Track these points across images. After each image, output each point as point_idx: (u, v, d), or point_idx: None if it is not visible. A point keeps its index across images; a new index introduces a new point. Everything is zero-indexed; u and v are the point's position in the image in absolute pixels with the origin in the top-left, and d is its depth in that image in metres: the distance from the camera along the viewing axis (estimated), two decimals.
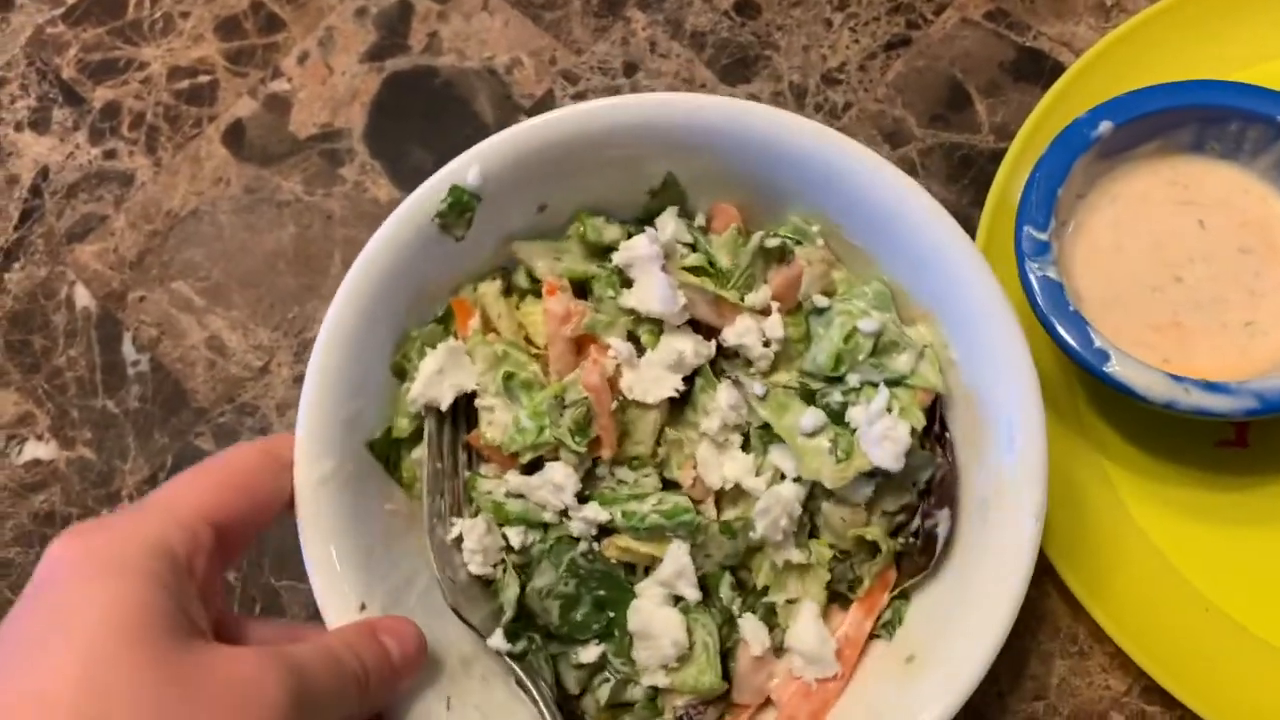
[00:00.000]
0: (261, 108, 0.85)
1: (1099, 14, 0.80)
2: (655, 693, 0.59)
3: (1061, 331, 0.62)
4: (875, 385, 0.58)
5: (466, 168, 0.59)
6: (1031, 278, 0.64)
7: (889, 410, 0.57)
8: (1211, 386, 0.60)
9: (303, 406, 0.57)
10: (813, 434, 0.57)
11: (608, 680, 0.59)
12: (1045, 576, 0.67)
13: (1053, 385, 0.69)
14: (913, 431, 0.57)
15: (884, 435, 0.56)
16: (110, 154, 0.85)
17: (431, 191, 0.59)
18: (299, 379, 0.77)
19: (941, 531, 0.58)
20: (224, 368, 0.78)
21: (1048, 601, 0.66)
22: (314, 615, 0.69)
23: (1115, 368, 0.61)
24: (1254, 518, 0.66)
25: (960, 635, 0.55)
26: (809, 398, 0.59)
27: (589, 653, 0.59)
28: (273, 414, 0.77)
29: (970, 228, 0.72)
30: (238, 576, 0.73)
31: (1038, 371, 0.67)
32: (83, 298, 0.81)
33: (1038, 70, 0.79)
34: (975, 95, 0.79)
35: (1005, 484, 0.56)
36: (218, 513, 0.50)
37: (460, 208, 0.60)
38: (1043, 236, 0.65)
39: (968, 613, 0.55)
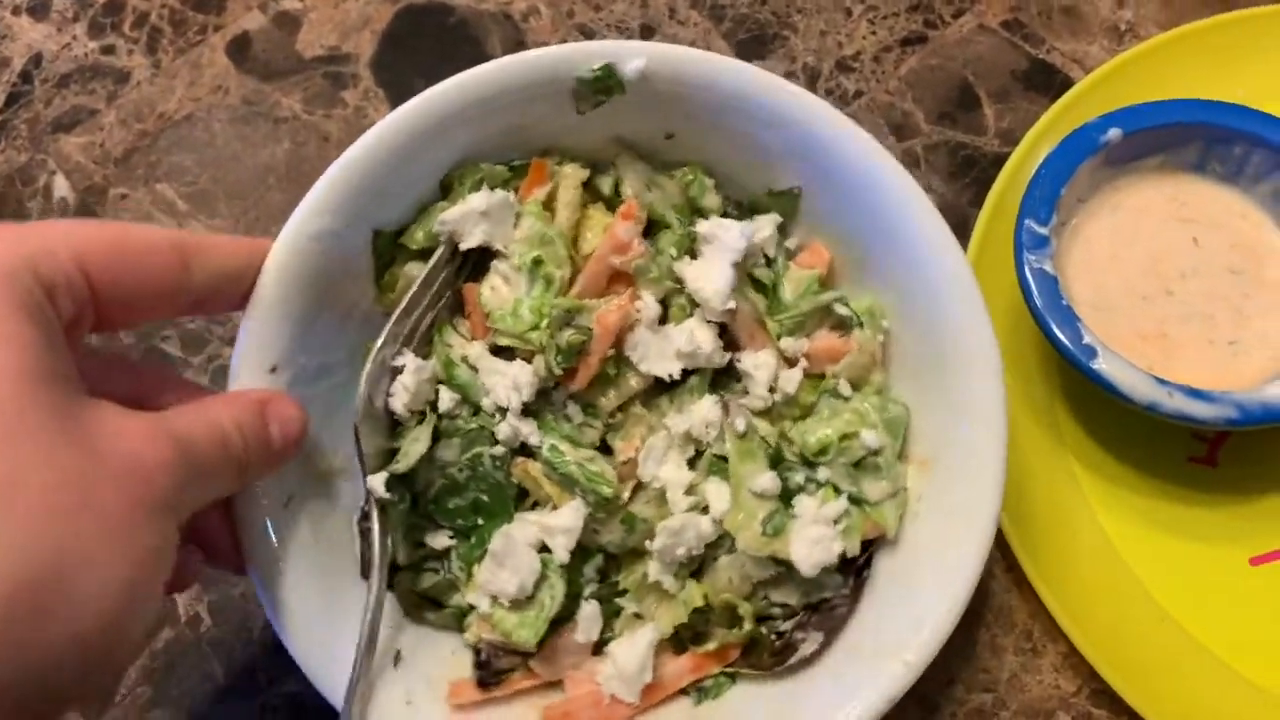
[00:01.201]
0: (270, 23, 0.84)
1: (1112, 36, 0.81)
2: (468, 611, 0.58)
3: (1052, 324, 0.63)
4: (838, 493, 0.57)
5: (631, 55, 0.56)
6: (1028, 270, 0.64)
7: (835, 523, 0.56)
8: (1195, 393, 0.61)
9: (341, 159, 0.55)
10: (760, 496, 0.55)
11: (435, 572, 0.58)
12: (1008, 572, 0.67)
13: (1034, 387, 0.70)
14: (843, 555, 0.55)
15: (816, 541, 0.54)
16: (109, 49, 0.83)
17: (587, 56, 0.56)
18: None
19: (805, 650, 0.56)
20: None
21: (1007, 596, 0.66)
22: None
23: (1102, 365, 0.62)
24: (1216, 535, 0.66)
25: None
26: (775, 463, 0.57)
27: (438, 539, 0.57)
28: None
29: (968, 227, 0.73)
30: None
31: (1022, 370, 0.69)
32: (61, 188, 0.79)
33: (1048, 82, 0.80)
34: (985, 99, 0.80)
35: (884, 648, 0.54)
36: (98, 270, 0.46)
37: (603, 88, 0.57)
38: (1043, 231, 0.65)
39: None
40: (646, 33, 0.82)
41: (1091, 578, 0.65)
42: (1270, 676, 0.62)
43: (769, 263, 0.61)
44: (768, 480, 0.55)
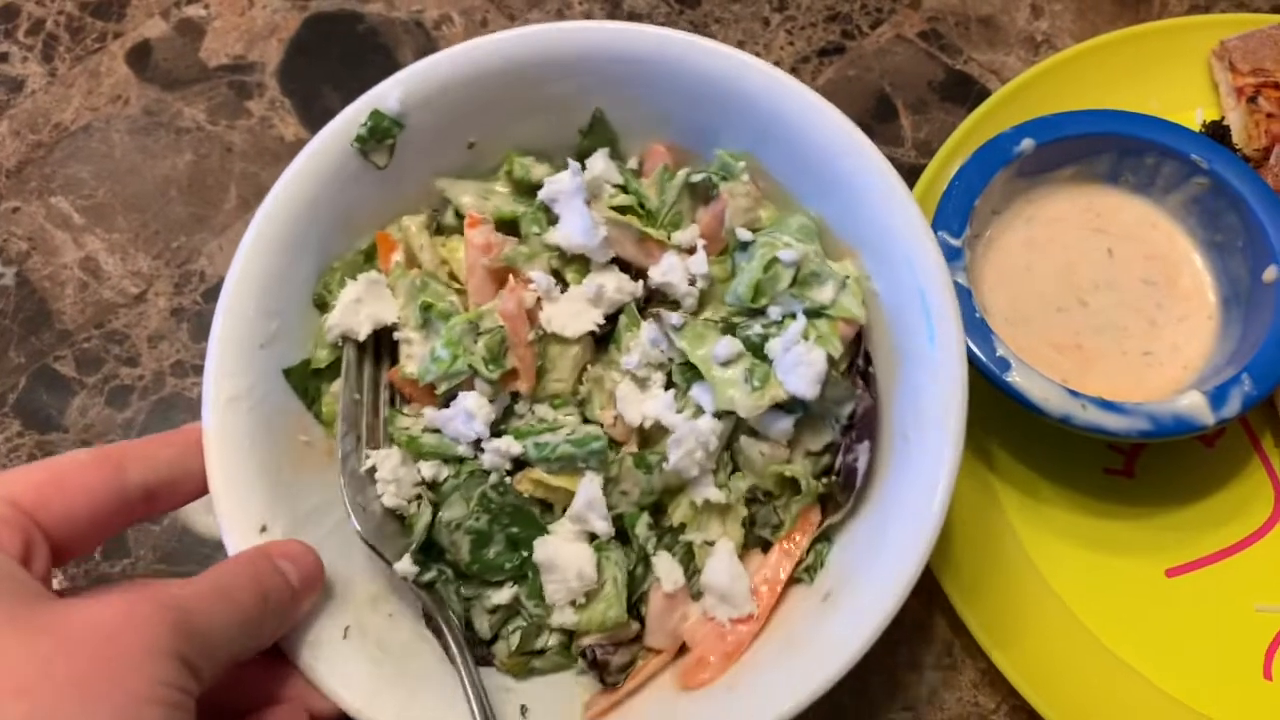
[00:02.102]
0: (173, 30, 0.81)
1: (1029, 47, 0.81)
2: (568, 639, 0.57)
3: (966, 338, 0.62)
4: (795, 317, 0.56)
5: (389, 92, 0.57)
6: None
7: (805, 338, 0.55)
8: (1108, 405, 0.60)
9: (216, 321, 0.54)
10: (727, 363, 0.55)
11: (520, 625, 0.57)
12: (926, 588, 0.66)
13: None
14: (831, 360, 0.55)
15: (799, 361, 0.54)
16: (2, 57, 0.80)
17: (353, 115, 0.57)
18: (177, 312, 0.73)
19: (861, 465, 0.56)
20: (96, 291, 0.73)
21: (925, 612, 0.65)
22: (162, 558, 0.66)
23: (1015, 377, 0.61)
24: (1133, 548, 0.66)
25: (877, 569, 0.53)
26: (730, 331, 0.57)
27: (502, 594, 0.56)
28: (143, 345, 0.72)
29: None
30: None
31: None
32: None
33: (965, 93, 0.80)
34: (902, 110, 0.79)
35: (925, 414, 0.53)
36: (34, 503, 0.47)
37: (380, 133, 0.58)
38: (956, 243, 0.64)
39: (885, 546, 0.53)
40: None
41: (1010, 593, 0.64)
42: (1187, 688, 0.62)
43: (625, 190, 0.61)
44: (725, 345, 0.55)
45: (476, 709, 0.52)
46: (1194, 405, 0.60)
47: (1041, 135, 0.66)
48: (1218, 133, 0.74)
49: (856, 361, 0.58)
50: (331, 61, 0.80)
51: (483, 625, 0.57)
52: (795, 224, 0.58)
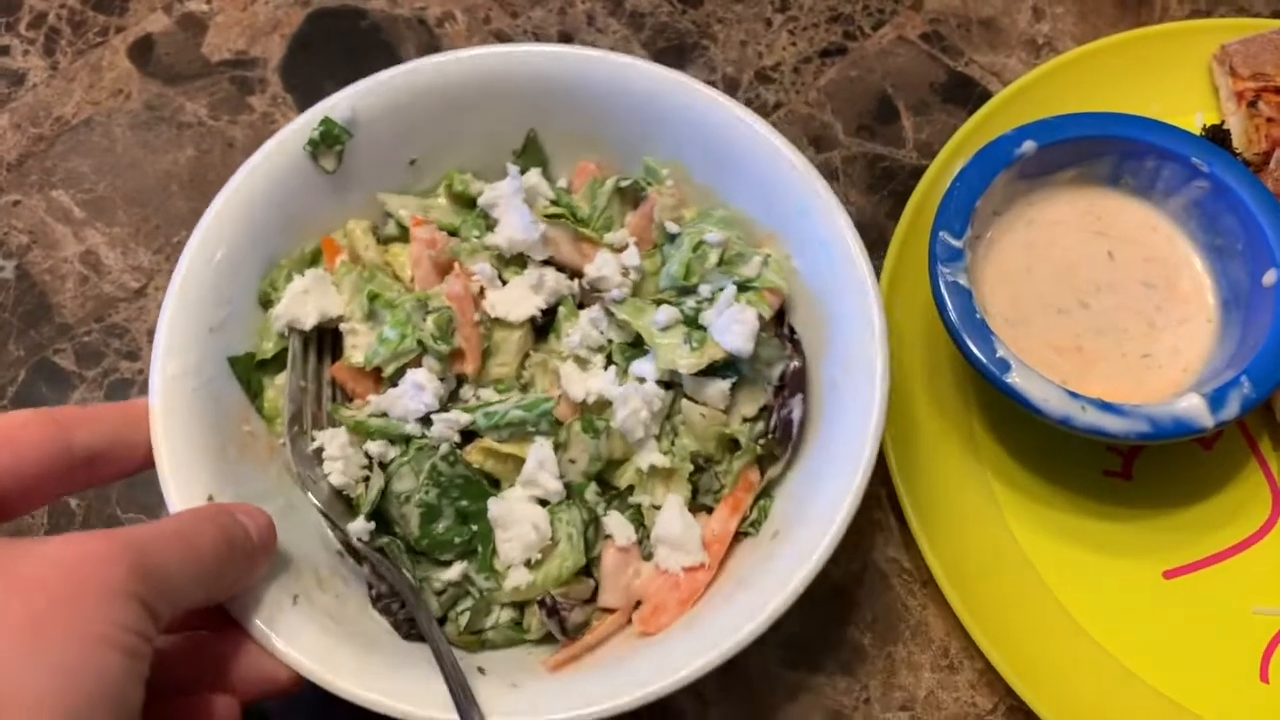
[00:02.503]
0: (175, 25, 0.81)
1: (1030, 50, 0.81)
2: (519, 615, 0.58)
3: (966, 338, 0.62)
4: (725, 286, 0.60)
5: (341, 102, 0.62)
6: (942, 282, 0.63)
7: (737, 301, 0.59)
8: (1107, 407, 0.60)
9: (168, 298, 0.57)
10: (667, 328, 0.59)
11: (469, 605, 0.57)
12: (924, 588, 0.66)
13: (949, 402, 0.69)
14: (762, 321, 0.59)
15: (734, 320, 0.58)
16: (3, 50, 0.80)
17: (306, 121, 0.61)
18: None
19: (796, 415, 0.60)
20: (97, 285, 0.73)
21: (924, 613, 0.65)
22: None
23: (1015, 379, 0.61)
24: (1130, 549, 0.66)
25: (820, 501, 0.56)
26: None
27: (450, 572, 0.57)
28: (143, 339, 0.72)
29: (885, 238, 0.72)
30: (80, 505, 0.67)
31: (936, 385, 0.69)
32: None
33: (966, 95, 0.80)
34: (903, 111, 0.79)
35: (852, 361, 0.58)
36: None
37: (331, 139, 0.62)
38: (957, 244, 0.64)
39: (826, 481, 0.56)
40: (564, 39, 0.81)
41: (1008, 594, 0.65)
42: (1184, 690, 0.62)
43: (555, 204, 0.64)
44: (664, 313, 0.59)
45: (445, 658, 0.52)
46: (1193, 408, 0.60)
47: (1043, 137, 0.66)
48: (1218, 137, 0.74)
49: (782, 329, 0.62)
50: (334, 58, 0.80)
51: (432, 605, 0.57)
52: (717, 216, 0.63)
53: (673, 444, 0.59)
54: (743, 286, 0.61)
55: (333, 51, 0.81)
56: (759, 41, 0.82)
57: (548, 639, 0.58)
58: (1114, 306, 0.67)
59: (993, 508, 0.67)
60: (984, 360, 0.62)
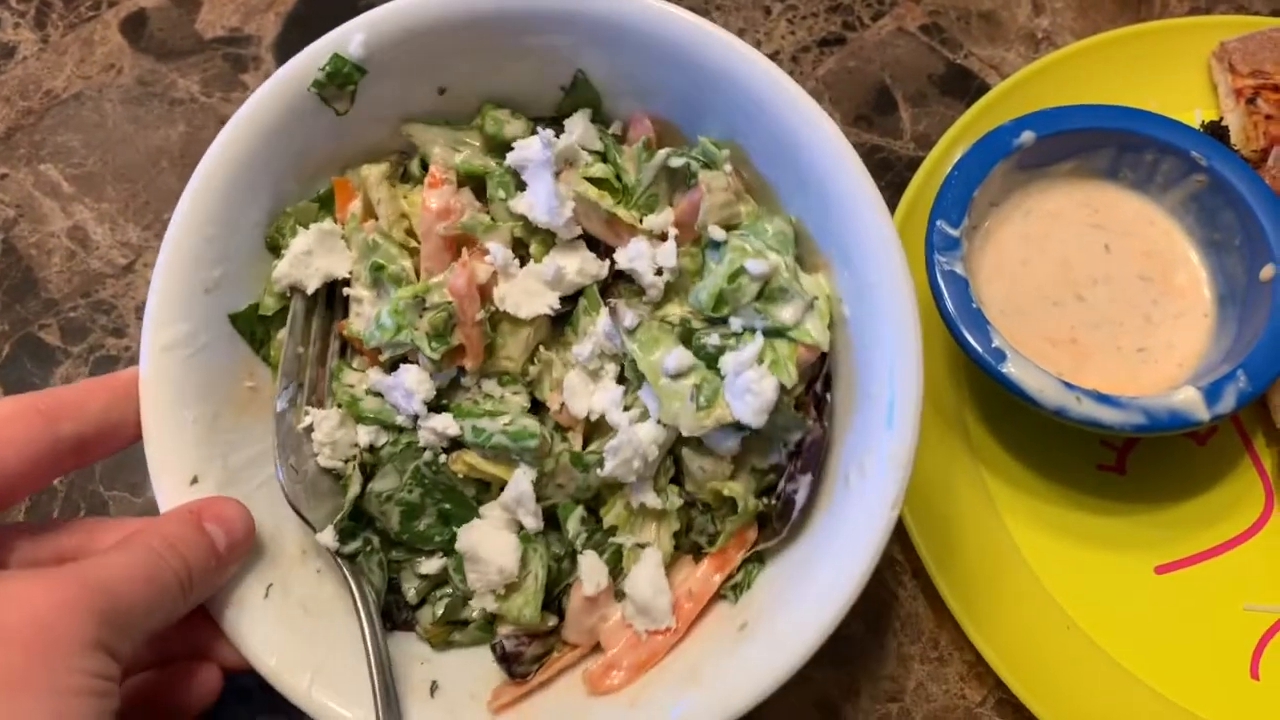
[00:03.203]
0: (168, 1, 0.80)
1: (1029, 43, 0.81)
2: (492, 617, 0.56)
3: (962, 327, 0.62)
4: (754, 333, 0.53)
5: (350, 36, 0.54)
6: (938, 271, 0.63)
7: (760, 361, 0.52)
8: (1103, 398, 0.60)
9: (158, 266, 0.53)
10: (676, 376, 0.52)
11: (447, 595, 0.56)
12: (915, 579, 0.66)
13: (942, 393, 0.69)
14: (784, 390, 0.52)
15: (748, 388, 0.51)
16: None
17: (311, 58, 0.54)
18: None
19: (800, 498, 0.54)
20: (84, 260, 0.72)
21: (914, 604, 0.65)
22: None
23: (1011, 369, 0.61)
24: (1123, 544, 0.66)
25: (795, 612, 0.52)
26: (688, 338, 0.54)
27: (431, 564, 0.56)
28: (130, 315, 0.71)
29: None
30: (63, 482, 0.66)
31: (930, 377, 0.68)
32: None
33: (964, 87, 0.79)
34: (901, 102, 0.79)
35: (871, 463, 0.51)
36: None
37: (341, 79, 0.55)
38: (954, 233, 0.64)
39: (807, 590, 0.52)
40: None
41: (999, 586, 0.64)
42: (1174, 685, 0.62)
43: (604, 158, 0.58)
44: (676, 357, 0.52)
45: (377, 672, 0.51)
46: (1189, 400, 0.60)
47: (1042, 128, 0.66)
48: (1216, 133, 0.74)
49: (815, 387, 0.55)
50: None
51: (410, 590, 0.56)
52: (772, 229, 0.55)
53: (669, 483, 0.56)
54: (776, 332, 0.53)
55: (328, 29, 0.79)
56: (758, 30, 0.81)
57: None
58: (1110, 299, 0.67)
59: (985, 500, 0.67)
60: (980, 350, 0.61)
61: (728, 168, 0.56)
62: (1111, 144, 0.67)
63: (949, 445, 0.68)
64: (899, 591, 0.65)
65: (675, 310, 0.56)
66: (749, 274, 0.53)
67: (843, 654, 0.63)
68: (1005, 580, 0.65)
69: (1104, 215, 0.69)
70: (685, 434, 0.53)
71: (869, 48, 0.81)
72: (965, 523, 0.66)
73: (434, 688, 0.54)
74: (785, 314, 0.53)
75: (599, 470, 0.54)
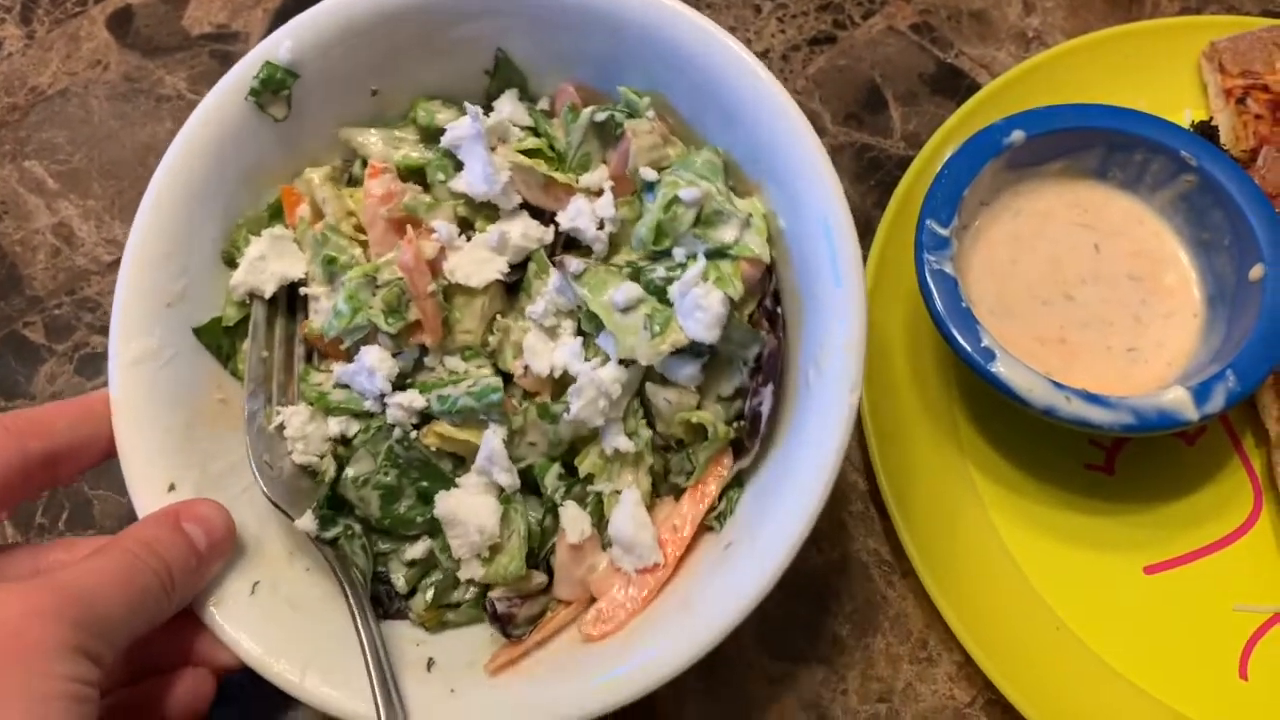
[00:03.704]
0: None
1: (1020, 43, 0.81)
2: (483, 592, 0.56)
3: (951, 326, 0.62)
4: (695, 258, 0.55)
5: (279, 43, 0.57)
6: (928, 270, 0.63)
7: (705, 279, 0.54)
8: (1092, 398, 0.60)
9: (119, 281, 0.54)
10: (627, 309, 0.54)
11: (437, 579, 0.56)
12: (904, 579, 0.65)
13: (931, 391, 0.69)
14: (733, 304, 0.54)
15: (697, 304, 0.53)
16: None
17: (245, 68, 0.57)
18: None
19: (765, 409, 0.55)
20: (69, 258, 0.72)
21: (903, 604, 0.65)
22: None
23: (1000, 368, 0.61)
24: (1111, 544, 0.66)
25: (774, 519, 0.52)
26: (635, 277, 0.56)
27: (417, 548, 0.56)
28: None
29: (871, 228, 0.72)
30: None
31: (919, 376, 0.68)
32: None
33: (955, 86, 0.79)
34: (891, 101, 0.79)
35: (826, 356, 0.52)
36: None
37: (274, 85, 0.57)
38: (944, 232, 0.64)
39: (784, 496, 0.52)
40: None
41: (988, 586, 0.64)
42: (1162, 685, 0.62)
43: (535, 132, 0.60)
44: (624, 291, 0.54)
45: (372, 665, 0.51)
46: (1178, 400, 0.60)
47: (1032, 127, 0.66)
48: (1206, 133, 0.74)
49: (765, 302, 0.57)
50: None
51: (399, 579, 0.57)
52: (700, 160, 0.56)
53: (639, 425, 0.56)
54: (719, 253, 0.55)
55: None
56: (748, 28, 0.81)
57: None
58: (1099, 299, 0.67)
59: (974, 500, 0.67)
60: (969, 349, 0.61)
61: (650, 114, 0.58)
62: (1101, 143, 0.67)
63: (938, 445, 0.67)
64: (888, 592, 0.65)
65: (622, 259, 0.57)
66: (683, 202, 0.55)
67: (831, 653, 0.63)
68: (994, 580, 0.64)
69: (1093, 215, 0.69)
70: (644, 363, 0.54)
71: (859, 46, 0.81)
72: (954, 523, 0.66)
73: (430, 664, 0.54)
74: (724, 234, 0.55)
75: (566, 416, 0.54)
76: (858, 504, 0.67)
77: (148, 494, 0.52)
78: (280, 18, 0.79)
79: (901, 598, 0.65)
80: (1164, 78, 0.78)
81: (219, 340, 0.58)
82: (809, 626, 0.64)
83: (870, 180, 0.76)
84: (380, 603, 0.56)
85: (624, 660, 0.52)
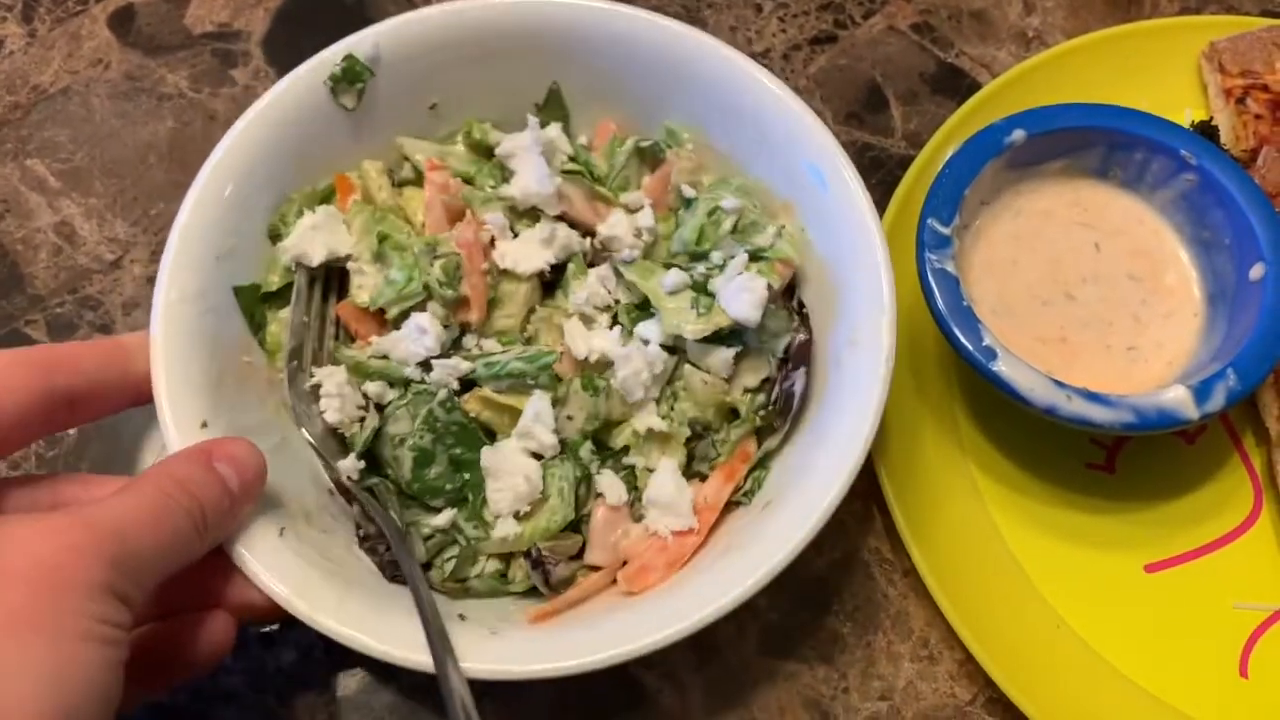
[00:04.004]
0: None
1: (1020, 42, 0.81)
2: (505, 566, 0.57)
3: (952, 325, 0.62)
4: (735, 257, 0.60)
5: (365, 40, 0.61)
6: (929, 269, 0.63)
7: (747, 269, 0.59)
8: (1093, 396, 0.60)
9: (176, 225, 0.56)
10: (674, 292, 0.59)
11: (455, 554, 0.57)
12: (905, 578, 0.66)
13: (933, 390, 0.69)
14: (771, 291, 0.58)
15: (742, 289, 0.57)
16: None
17: (330, 56, 0.60)
18: (153, 279, 0.71)
19: (798, 389, 0.59)
20: (71, 256, 0.72)
21: (904, 601, 0.65)
22: None
23: (1001, 366, 0.61)
24: (1112, 542, 0.66)
25: (815, 474, 0.55)
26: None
27: (439, 519, 0.57)
28: (117, 312, 0.71)
29: None
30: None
31: (921, 375, 0.68)
32: None
33: (955, 86, 0.79)
34: (892, 100, 0.79)
35: (859, 337, 0.57)
36: None
37: (353, 76, 0.61)
38: (945, 231, 0.64)
39: (823, 453, 0.55)
40: None
41: (989, 584, 0.64)
42: (1163, 684, 0.62)
43: (574, 160, 0.64)
44: (673, 276, 0.59)
45: (423, 594, 0.51)
46: (1178, 399, 0.60)
47: (1033, 126, 0.66)
48: (1206, 133, 0.74)
49: (791, 303, 0.62)
50: (318, 32, 0.77)
51: (418, 551, 0.57)
52: (734, 183, 0.63)
53: (672, 408, 0.59)
54: (755, 256, 0.61)
55: (317, 25, 0.79)
56: (749, 27, 0.81)
57: (532, 592, 0.58)
58: (1100, 299, 0.67)
59: (975, 498, 0.67)
60: (970, 348, 0.61)
61: (689, 146, 0.65)
62: (1101, 143, 0.67)
63: (939, 443, 0.68)
64: (889, 590, 0.65)
65: (660, 260, 0.62)
66: (724, 210, 0.61)
67: (832, 651, 0.63)
68: (995, 579, 0.64)
69: (1094, 214, 0.69)
70: (690, 337, 0.58)
71: (860, 46, 0.81)
72: (955, 521, 0.66)
73: (462, 617, 0.55)
74: (760, 239, 0.61)
75: (610, 387, 0.57)
76: (858, 503, 0.67)
77: (180, 426, 0.52)
78: (281, 17, 0.80)
79: (902, 596, 0.65)
80: (1164, 78, 0.78)
81: (254, 307, 0.59)
82: (810, 625, 0.64)
83: (872, 179, 0.76)
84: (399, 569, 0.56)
85: (671, 601, 0.53)
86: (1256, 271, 0.63)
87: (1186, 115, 0.77)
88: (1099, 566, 0.65)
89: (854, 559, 0.66)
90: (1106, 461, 0.67)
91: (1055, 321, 0.66)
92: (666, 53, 0.62)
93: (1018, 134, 0.66)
